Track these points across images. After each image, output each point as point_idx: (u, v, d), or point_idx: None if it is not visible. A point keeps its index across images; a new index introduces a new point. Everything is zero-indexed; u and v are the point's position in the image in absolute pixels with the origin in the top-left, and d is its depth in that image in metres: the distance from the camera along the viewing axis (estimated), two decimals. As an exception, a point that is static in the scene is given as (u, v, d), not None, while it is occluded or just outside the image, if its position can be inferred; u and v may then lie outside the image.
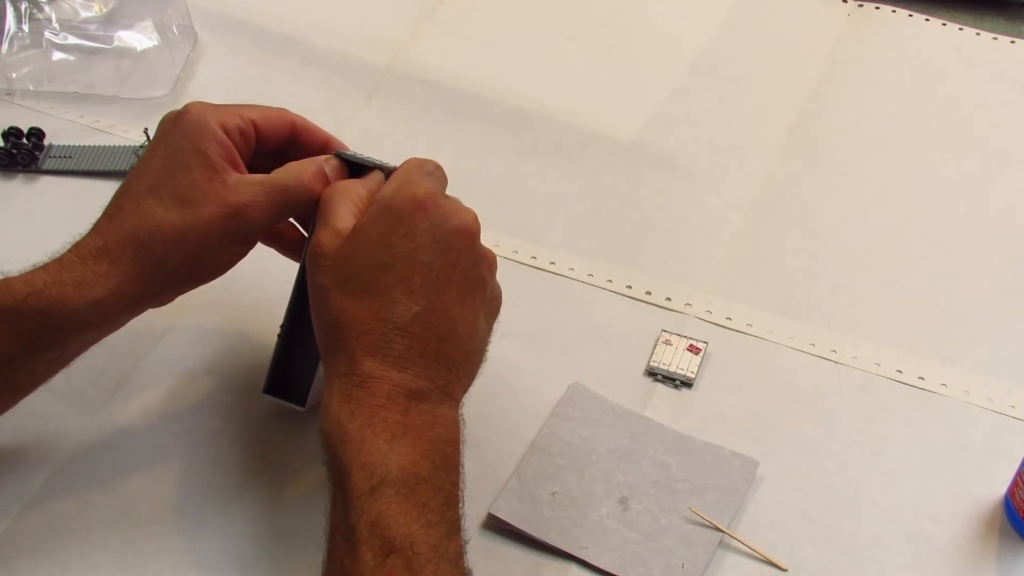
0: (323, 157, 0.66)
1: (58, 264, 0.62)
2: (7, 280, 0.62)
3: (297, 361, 0.69)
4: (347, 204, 0.62)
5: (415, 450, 0.57)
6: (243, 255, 0.66)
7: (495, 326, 0.65)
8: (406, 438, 0.57)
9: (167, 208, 0.62)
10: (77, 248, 0.63)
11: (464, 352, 0.61)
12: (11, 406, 0.65)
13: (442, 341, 0.59)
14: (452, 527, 0.57)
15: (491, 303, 0.64)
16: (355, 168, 0.67)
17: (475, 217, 0.62)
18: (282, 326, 0.69)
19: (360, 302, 0.59)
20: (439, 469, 0.57)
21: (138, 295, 0.63)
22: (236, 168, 0.64)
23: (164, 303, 0.66)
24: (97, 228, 0.64)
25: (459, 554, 0.56)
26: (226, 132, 0.64)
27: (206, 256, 0.64)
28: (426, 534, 0.55)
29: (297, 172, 0.65)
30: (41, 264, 0.63)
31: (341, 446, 0.57)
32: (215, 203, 0.62)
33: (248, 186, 0.63)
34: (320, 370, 0.67)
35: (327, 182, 0.65)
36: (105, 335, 0.65)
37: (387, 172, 0.65)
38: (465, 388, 0.62)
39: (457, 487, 0.59)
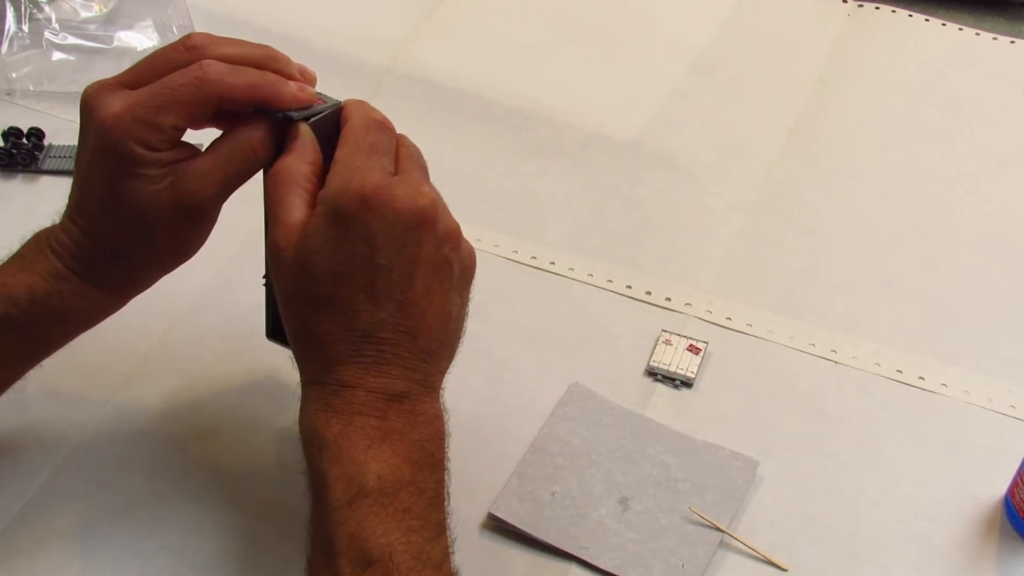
0: (244, 132, 0.60)
1: (53, 271, 0.61)
2: (4, 285, 0.61)
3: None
4: (295, 192, 0.58)
5: (395, 454, 0.56)
6: (215, 221, 0.64)
7: (472, 294, 0.62)
8: (385, 443, 0.56)
9: (122, 223, 0.60)
10: (63, 258, 0.61)
11: (439, 340, 0.59)
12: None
13: (414, 337, 0.57)
14: (436, 530, 0.56)
15: (461, 275, 0.60)
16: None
17: (431, 199, 0.57)
18: (264, 275, 0.66)
19: (323, 314, 0.57)
20: (422, 470, 0.56)
21: (135, 292, 0.64)
22: (173, 149, 0.59)
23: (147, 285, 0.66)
24: (75, 239, 0.61)
25: (445, 556, 0.56)
26: (142, 145, 0.59)
27: (180, 246, 0.63)
28: (407, 542, 0.54)
29: (240, 146, 0.60)
30: (27, 258, 0.62)
31: (318, 455, 0.56)
32: (167, 205, 0.59)
33: (193, 177, 0.60)
34: None
35: (253, 158, 0.60)
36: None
37: (325, 113, 0.61)
38: (444, 372, 0.60)
39: (442, 485, 0.58)
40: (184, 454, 0.70)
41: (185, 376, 0.74)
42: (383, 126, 0.60)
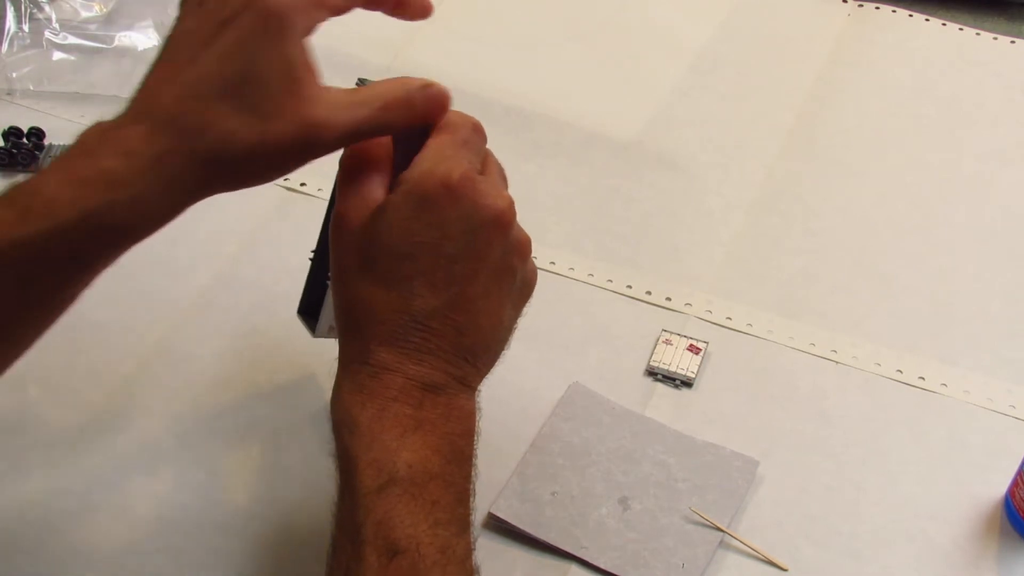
0: (417, 82, 0.59)
1: (105, 180, 0.54)
2: (42, 196, 0.54)
3: (319, 288, 0.67)
4: (371, 171, 0.58)
5: (426, 445, 0.55)
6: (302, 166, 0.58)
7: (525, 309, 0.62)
8: (418, 433, 0.55)
9: (240, 120, 0.54)
10: (126, 154, 0.54)
11: (485, 344, 0.59)
12: (58, 320, 0.60)
13: (462, 335, 0.57)
14: (461, 525, 0.56)
15: (521, 289, 0.60)
16: None
17: (510, 203, 0.58)
18: (313, 250, 0.66)
19: (379, 290, 0.56)
20: (451, 464, 0.56)
21: (189, 203, 0.56)
22: (314, 74, 0.56)
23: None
24: (151, 127, 0.54)
25: (468, 553, 0.56)
26: (307, 32, 0.56)
27: (270, 172, 0.57)
28: (434, 535, 0.54)
29: (382, 96, 0.57)
30: (74, 160, 0.55)
31: (350, 437, 0.55)
32: (291, 119, 0.54)
33: (329, 105, 0.56)
34: (329, 301, 0.65)
35: (412, 113, 0.58)
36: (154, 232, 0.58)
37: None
38: (483, 376, 0.60)
39: (469, 481, 0.57)
40: (184, 454, 0.70)
41: (185, 376, 0.74)
42: (478, 129, 0.60)
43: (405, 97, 0.57)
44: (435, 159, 0.57)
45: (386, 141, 0.60)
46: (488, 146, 0.61)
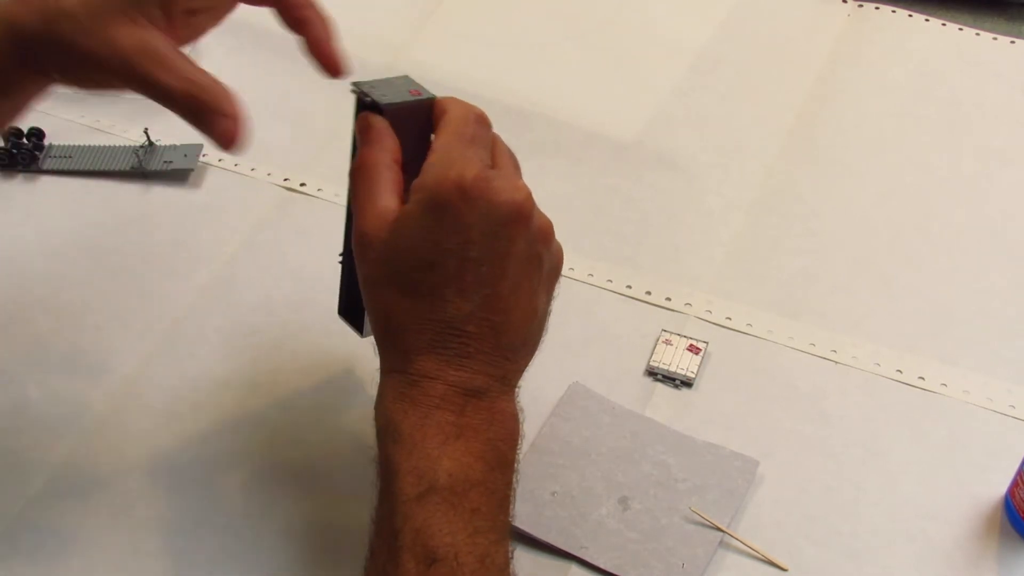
0: (228, 105, 0.58)
1: None
2: None
3: (356, 289, 0.65)
4: (381, 182, 0.58)
5: (469, 452, 0.55)
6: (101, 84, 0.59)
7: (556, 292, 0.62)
8: (460, 440, 0.55)
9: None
10: None
11: (522, 338, 0.58)
12: None
13: (499, 334, 0.57)
14: (501, 532, 0.55)
15: (550, 273, 0.60)
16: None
17: (527, 193, 0.57)
18: (341, 254, 0.66)
19: (410, 301, 0.56)
20: (493, 470, 0.56)
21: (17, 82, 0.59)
22: (155, 10, 0.57)
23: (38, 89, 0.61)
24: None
25: (507, 561, 0.55)
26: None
27: (66, 48, 0.57)
28: (473, 543, 0.53)
29: (179, 71, 0.57)
30: None
31: (392, 445, 0.55)
32: (126, 34, 0.56)
33: (129, 29, 0.56)
34: None
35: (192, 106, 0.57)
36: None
37: (410, 102, 0.60)
38: (523, 370, 0.60)
39: (510, 487, 0.57)
40: (184, 454, 0.70)
41: (185, 376, 0.74)
42: (482, 120, 0.60)
43: (211, 100, 0.57)
44: (445, 163, 0.57)
45: (393, 146, 0.59)
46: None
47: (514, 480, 0.58)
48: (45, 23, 0.56)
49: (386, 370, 0.58)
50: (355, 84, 0.62)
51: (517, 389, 0.60)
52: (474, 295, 0.56)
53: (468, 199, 0.55)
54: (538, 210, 0.59)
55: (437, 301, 0.56)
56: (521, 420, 0.59)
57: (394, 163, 0.59)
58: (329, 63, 0.62)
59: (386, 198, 0.58)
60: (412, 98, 0.61)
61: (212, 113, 0.57)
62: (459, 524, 0.53)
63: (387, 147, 0.59)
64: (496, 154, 0.60)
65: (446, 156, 0.57)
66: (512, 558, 0.56)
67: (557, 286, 0.62)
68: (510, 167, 0.60)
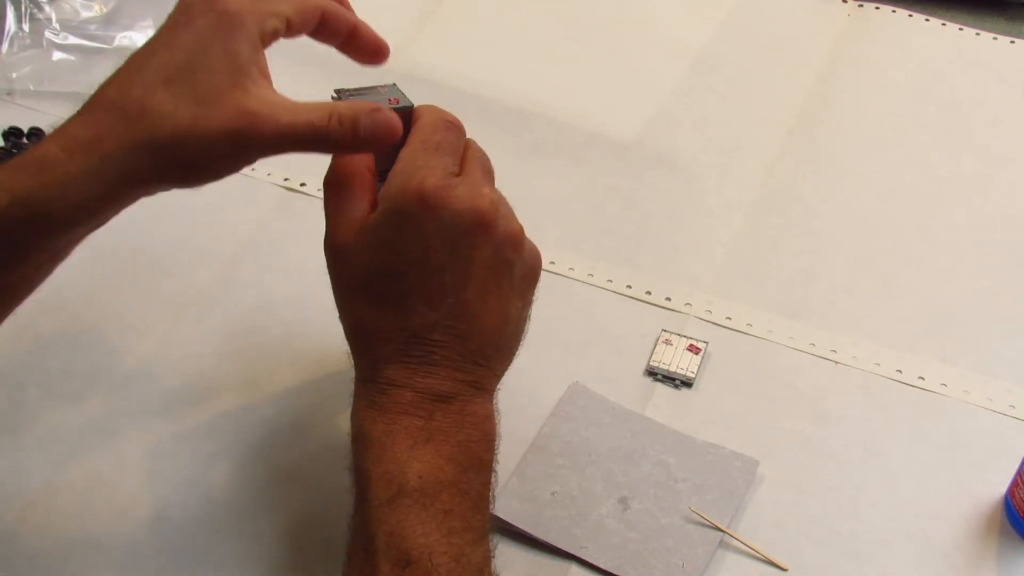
0: (366, 106, 0.56)
1: (38, 163, 0.54)
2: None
3: None
4: (351, 191, 0.58)
5: (439, 454, 0.55)
6: (239, 169, 0.57)
7: (535, 295, 0.61)
8: (429, 443, 0.55)
9: (178, 103, 0.54)
10: (64, 138, 0.54)
11: (494, 344, 0.58)
12: (11, 310, 0.60)
13: (465, 340, 0.57)
14: (478, 533, 0.55)
15: (524, 278, 0.60)
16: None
17: (491, 201, 0.57)
18: None
19: (377, 311, 0.57)
20: (466, 472, 0.56)
21: (126, 194, 0.56)
22: (263, 75, 0.57)
23: (147, 195, 0.59)
24: (92, 115, 0.55)
25: (486, 560, 0.55)
26: (261, 36, 0.57)
27: (205, 162, 0.56)
28: (448, 543, 0.54)
29: (328, 108, 0.56)
30: (17, 157, 0.55)
31: (363, 452, 0.56)
32: (228, 106, 0.54)
33: (269, 103, 0.55)
34: None
35: (354, 133, 0.56)
36: (95, 230, 0.59)
37: (402, 112, 0.59)
38: (499, 376, 0.60)
39: (487, 488, 0.57)
40: (184, 454, 0.70)
41: (185, 376, 0.74)
42: (452, 126, 0.59)
43: (351, 116, 0.56)
44: (408, 171, 0.57)
45: (364, 155, 0.59)
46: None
47: (492, 480, 0.58)
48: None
49: (358, 378, 0.58)
50: (337, 90, 0.62)
51: (495, 392, 0.60)
52: (439, 303, 0.56)
53: (428, 207, 0.55)
54: (507, 216, 0.58)
55: (403, 310, 0.56)
56: (497, 421, 0.59)
57: (367, 171, 0.59)
58: (379, 44, 0.64)
59: (356, 207, 0.58)
60: (390, 107, 0.60)
61: (352, 138, 0.56)
62: (432, 525, 0.54)
63: (359, 156, 0.59)
64: (465, 160, 0.59)
65: (410, 164, 0.57)
66: (493, 557, 0.56)
67: (536, 288, 0.62)
68: (476, 173, 0.59)
